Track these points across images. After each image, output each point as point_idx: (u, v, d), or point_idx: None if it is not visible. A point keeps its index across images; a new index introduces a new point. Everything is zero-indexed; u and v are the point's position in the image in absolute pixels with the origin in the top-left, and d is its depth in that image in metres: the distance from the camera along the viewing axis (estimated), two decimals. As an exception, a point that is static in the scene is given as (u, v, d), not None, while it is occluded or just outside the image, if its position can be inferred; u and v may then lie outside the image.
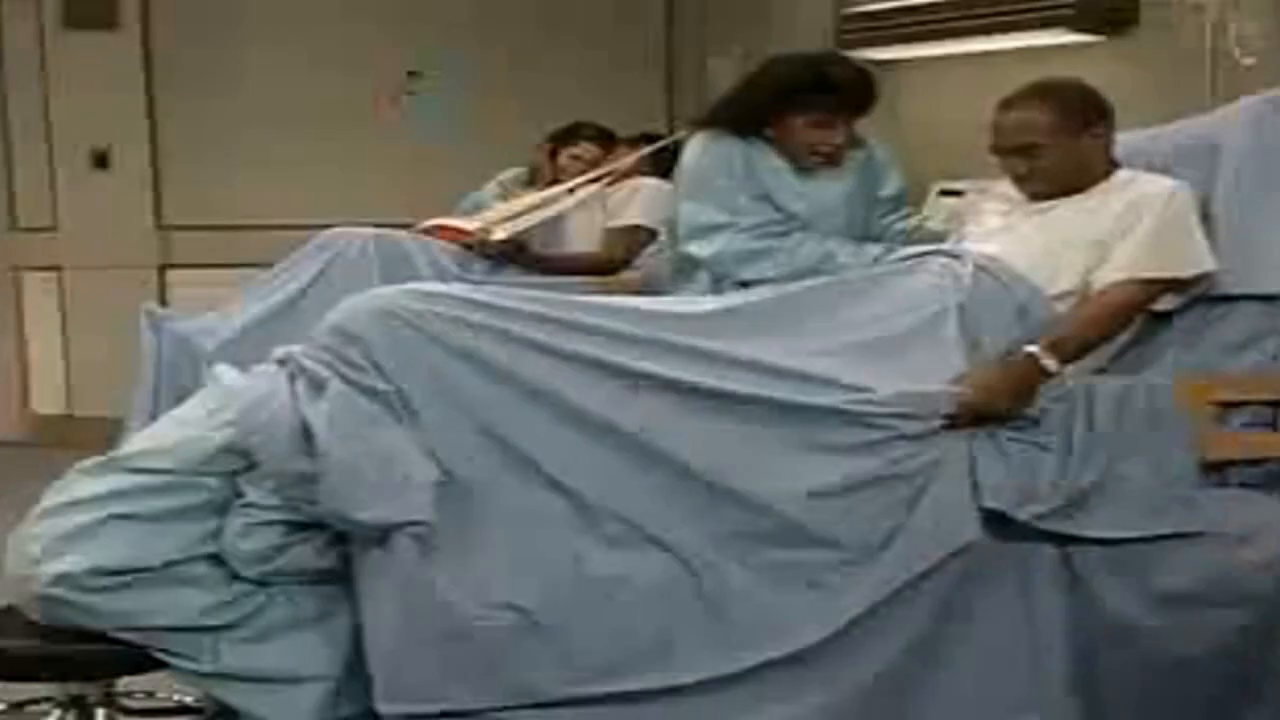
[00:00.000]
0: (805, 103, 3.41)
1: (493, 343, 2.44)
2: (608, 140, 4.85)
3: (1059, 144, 2.89)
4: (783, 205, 3.44)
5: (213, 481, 2.41)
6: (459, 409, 2.42)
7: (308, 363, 2.44)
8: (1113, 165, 2.96)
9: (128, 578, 2.34)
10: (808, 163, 3.45)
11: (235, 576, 2.39)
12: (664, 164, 4.85)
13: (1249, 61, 4.28)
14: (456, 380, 2.42)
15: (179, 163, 6.37)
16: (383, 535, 2.32)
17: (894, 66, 5.48)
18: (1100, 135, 2.94)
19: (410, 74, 6.50)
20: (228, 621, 2.37)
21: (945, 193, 4.91)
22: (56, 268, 6.34)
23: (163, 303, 5.99)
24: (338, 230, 4.34)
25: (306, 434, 2.35)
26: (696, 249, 3.43)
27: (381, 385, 2.39)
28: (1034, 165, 2.92)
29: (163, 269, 6.39)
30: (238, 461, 2.41)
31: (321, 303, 4.07)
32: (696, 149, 3.56)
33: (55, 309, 6.36)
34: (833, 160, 3.46)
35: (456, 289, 2.65)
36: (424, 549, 2.33)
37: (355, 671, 2.36)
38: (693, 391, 2.48)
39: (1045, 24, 4.67)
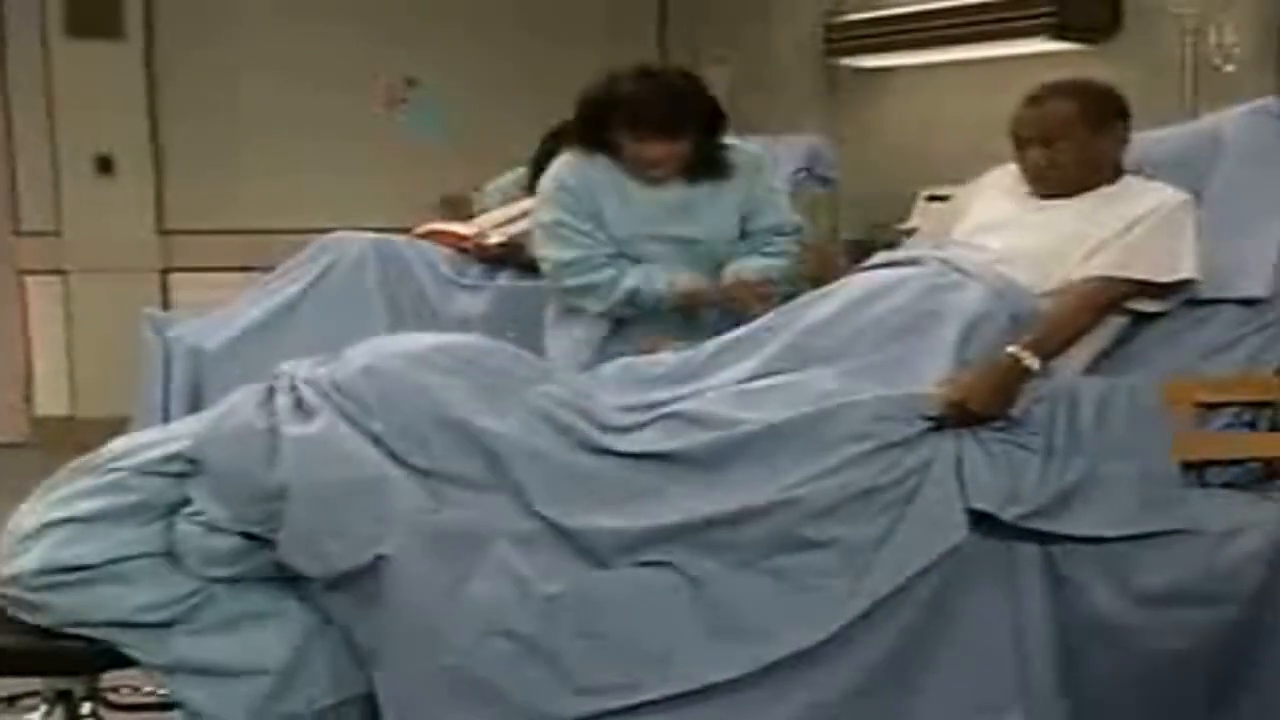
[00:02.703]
0: (610, 119, 3.34)
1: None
2: None
3: (1077, 137, 2.91)
4: (609, 224, 3.40)
5: (154, 483, 2.40)
6: (466, 449, 2.44)
7: (306, 391, 2.43)
8: (1119, 170, 2.96)
9: (72, 576, 2.35)
10: (638, 177, 3.40)
11: (177, 573, 2.38)
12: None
13: (1229, 69, 4.29)
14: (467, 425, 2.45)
15: (181, 168, 6.36)
16: (370, 568, 2.31)
17: (882, 74, 5.49)
18: (1117, 136, 2.96)
19: (408, 81, 6.49)
20: (172, 617, 2.37)
21: (933, 198, 4.91)
22: (60, 271, 6.32)
23: (165, 306, 6.00)
24: (336, 235, 4.33)
25: (274, 452, 2.35)
26: None
27: (377, 427, 2.40)
28: (1051, 157, 2.92)
29: (165, 273, 6.39)
30: (184, 467, 2.41)
31: (320, 306, 4.10)
32: (548, 172, 3.53)
33: (59, 312, 6.35)
34: (662, 173, 3.38)
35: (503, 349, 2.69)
36: (418, 582, 2.32)
37: (297, 668, 2.36)
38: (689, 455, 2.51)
39: (1029, 32, 4.69)
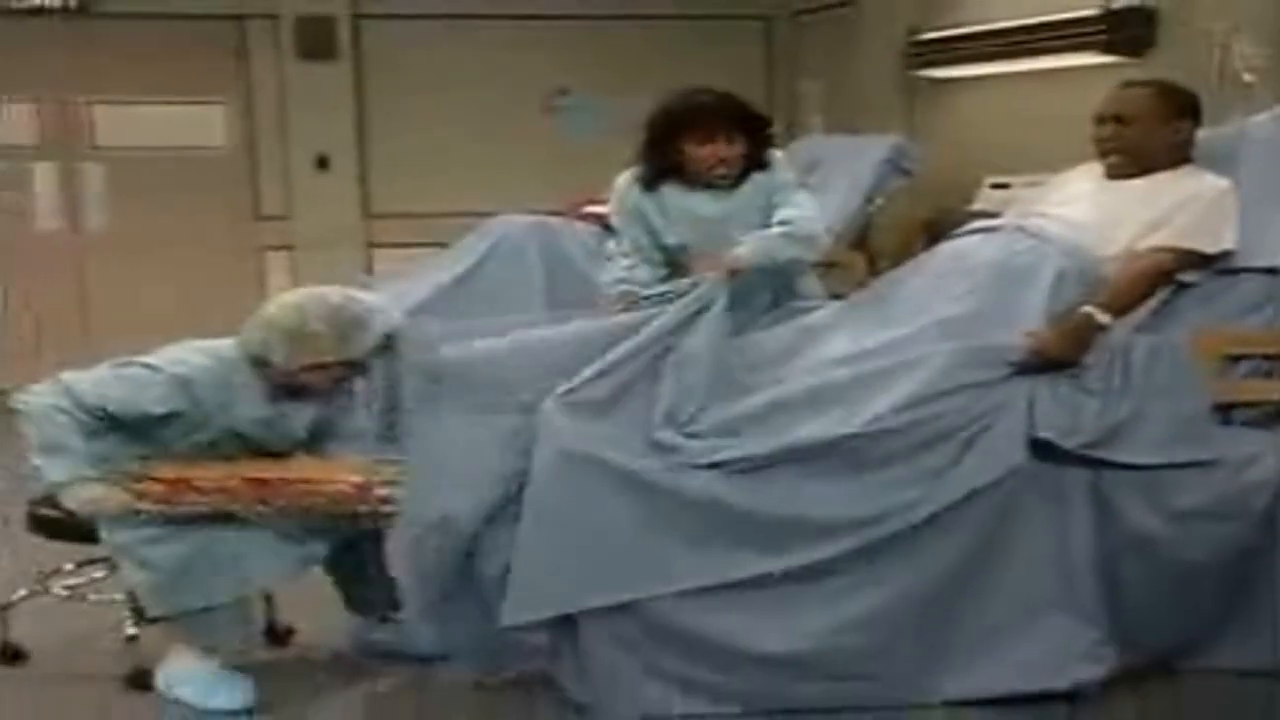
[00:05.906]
0: (681, 126, 3.15)
1: None
2: None
3: (1146, 122, 2.88)
4: (658, 233, 3.24)
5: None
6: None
7: None
8: (1184, 160, 2.92)
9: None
10: (707, 178, 3.17)
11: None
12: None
13: (1250, 79, 4.11)
14: None
15: (382, 164, 6.48)
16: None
17: (954, 83, 5.36)
18: (1180, 132, 2.92)
19: (561, 90, 6.52)
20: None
21: (995, 185, 4.80)
22: (289, 247, 6.48)
23: (369, 274, 6.10)
24: (503, 218, 4.34)
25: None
26: None
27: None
28: (1119, 133, 2.90)
29: (369, 247, 6.52)
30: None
31: (490, 277, 4.11)
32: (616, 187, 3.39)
33: (289, 281, 6.49)
34: (726, 171, 3.14)
35: None
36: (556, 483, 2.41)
37: (184, 573, 2.58)
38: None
39: (1080, 47, 4.54)
